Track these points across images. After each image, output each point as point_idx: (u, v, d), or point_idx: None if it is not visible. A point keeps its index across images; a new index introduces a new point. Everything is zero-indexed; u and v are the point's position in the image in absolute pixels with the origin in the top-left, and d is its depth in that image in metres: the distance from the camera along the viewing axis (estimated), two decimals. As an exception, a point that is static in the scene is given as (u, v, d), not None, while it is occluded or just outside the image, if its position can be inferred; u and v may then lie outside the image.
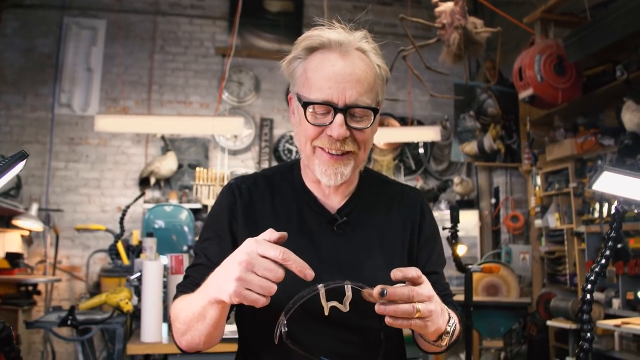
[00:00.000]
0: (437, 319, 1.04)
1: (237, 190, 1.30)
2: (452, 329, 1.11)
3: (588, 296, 1.56)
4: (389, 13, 6.34)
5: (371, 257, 1.25)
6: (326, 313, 0.98)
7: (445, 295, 1.30)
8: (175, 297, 1.28)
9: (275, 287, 0.95)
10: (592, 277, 1.56)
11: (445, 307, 1.13)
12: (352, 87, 1.15)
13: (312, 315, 1.16)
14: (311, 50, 1.20)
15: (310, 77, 1.18)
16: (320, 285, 0.97)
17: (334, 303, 0.99)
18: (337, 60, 1.17)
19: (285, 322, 0.98)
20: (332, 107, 1.15)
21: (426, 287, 1.01)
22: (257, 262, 0.95)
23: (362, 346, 1.20)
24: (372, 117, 1.19)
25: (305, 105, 1.17)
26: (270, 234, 1.00)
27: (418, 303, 0.98)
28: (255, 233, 1.23)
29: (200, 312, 1.08)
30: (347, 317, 1.15)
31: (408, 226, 1.33)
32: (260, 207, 1.29)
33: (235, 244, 1.25)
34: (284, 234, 1.01)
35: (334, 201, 1.30)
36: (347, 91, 1.14)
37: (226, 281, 0.97)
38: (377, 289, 0.95)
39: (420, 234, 1.35)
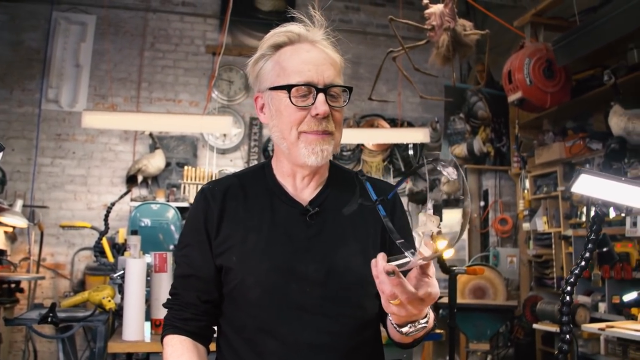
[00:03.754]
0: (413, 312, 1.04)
1: (209, 194, 1.34)
2: (418, 325, 1.11)
3: (567, 298, 1.56)
4: (381, 14, 6.31)
5: (345, 244, 1.28)
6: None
7: None
8: (165, 329, 1.32)
9: None
10: (571, 279, 1.56)
11: (431, 312, 1.15)
12: (328, 69, 1.25)
13: (289, 304, 1.23)
14: (278, 46, 1.28)
15: (287, 65, 1.25)
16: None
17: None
18: (310, 48, 1.27)
19: None
20: (313, 88, 1.22)
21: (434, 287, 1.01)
22: None
23: (338, 335, 1.23)
24: (346, 97, 1.28)
25: (289, 88, 1.23)
26: None
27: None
28: (229, 228, 1.31)
29: None
30: (323, 306, 1.24)
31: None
32: (233, 205, 1.32)
33: (211, 248, 1.30)
34: None
35: (305, 194, 1.34)
36: (325, 72, 1.24)
37: None
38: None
39: (393, 221, 1.34)
